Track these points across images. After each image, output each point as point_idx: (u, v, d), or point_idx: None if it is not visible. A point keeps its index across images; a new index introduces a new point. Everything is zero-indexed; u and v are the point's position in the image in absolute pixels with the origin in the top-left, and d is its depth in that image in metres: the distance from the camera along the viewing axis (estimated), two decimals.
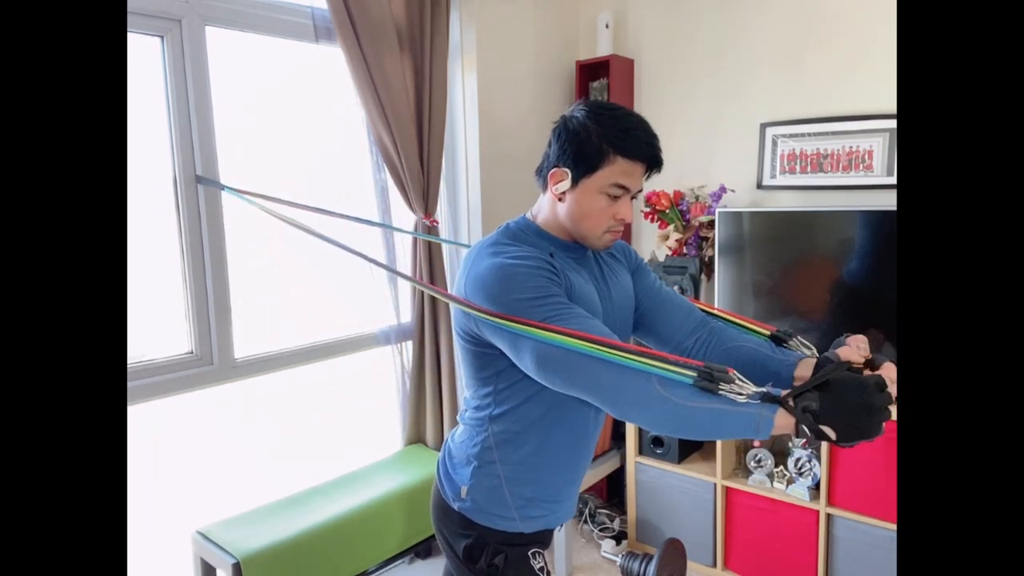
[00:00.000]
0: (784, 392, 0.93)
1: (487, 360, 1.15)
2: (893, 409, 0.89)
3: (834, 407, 0.89)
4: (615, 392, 0.98)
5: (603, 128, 1.09)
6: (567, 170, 1.12)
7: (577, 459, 1.25)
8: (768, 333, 1.22)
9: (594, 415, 1.24)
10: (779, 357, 1.14)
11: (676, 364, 0.96)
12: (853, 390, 0.89)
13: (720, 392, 0.94)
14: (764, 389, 0.95)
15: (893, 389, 1.01)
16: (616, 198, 1.12)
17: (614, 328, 1.17)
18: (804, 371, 1.10)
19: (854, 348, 1.01)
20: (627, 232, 2.87)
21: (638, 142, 1.09)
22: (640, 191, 1.15)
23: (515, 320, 1.02)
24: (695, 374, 0.95)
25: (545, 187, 1.18)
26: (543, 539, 1.26)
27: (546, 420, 1.17)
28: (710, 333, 1.25)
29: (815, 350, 1.17)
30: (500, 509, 1.19)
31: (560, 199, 1.15)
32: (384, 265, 2.08)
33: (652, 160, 1.12)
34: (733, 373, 0.95)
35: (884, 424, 0.89)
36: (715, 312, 1.31)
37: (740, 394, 0.93)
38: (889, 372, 0.97)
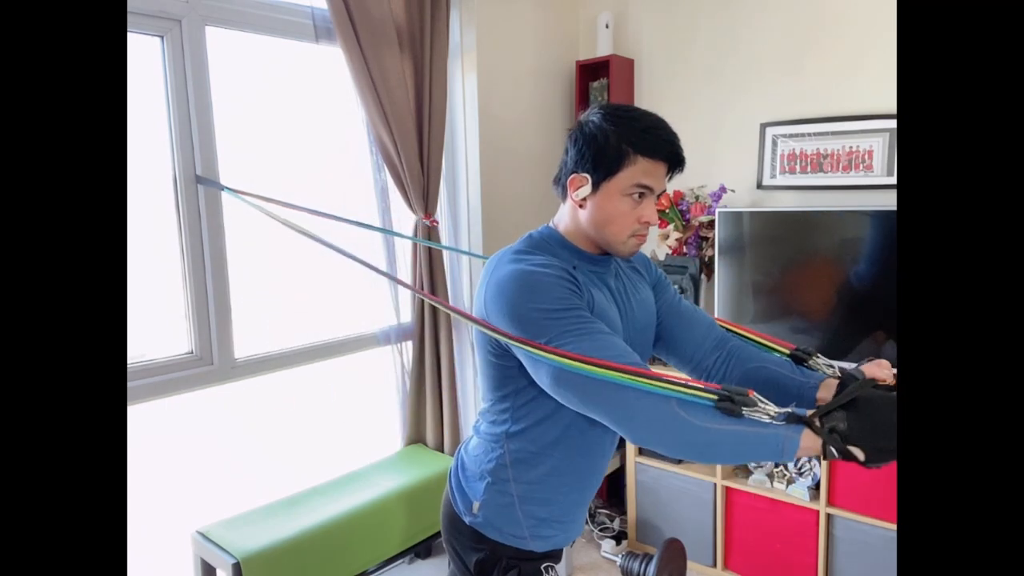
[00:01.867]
0: (810, 412, 0.90)
1: (507, 375, 1.12)
2: None
3: (862, 427, 0.86)
4: (633, 414, 0.95)
5: (621, 129, 1.06)
6: (587, 175, 1.08)
7: (590, 481, 1.23)
8: (788, 352, 1.18)
9: (610, 438, 1.21)
10: (800, 379, 1.12)
11: (696, 388, 0.94)
12: (881, 408, 0.86)
13: (743, 414, 0.91)
14: (788, 409, 0.92)
15: None
16: (639, 200, 1.09)
17: (635, 346, 1.12)
18: (826, 392, 1.07)
19: (880, 366, 1.00)
20: None
21: (659, 140, 1.07)
22: (663, 191, 1.12)
23: (535, 346, 0.99)
24: (715, 397, 0.93)
25: (564, 196, 1.14)
26: (555, 556, 1.24)
27: (563, 442, 1.14)
28: (729, 353, 1.22)
29: (837, 368, 1.12)
30: (511, 527, 1.17)
31: (581, 205, 1.11)
32: (388, 275, 2.06)
33: (673, 158, 1.08)
34: (754, 395, 0.92)
35: None
36: (734, 329, 1.27)
37: (764, 415, 0.91)
38: None
